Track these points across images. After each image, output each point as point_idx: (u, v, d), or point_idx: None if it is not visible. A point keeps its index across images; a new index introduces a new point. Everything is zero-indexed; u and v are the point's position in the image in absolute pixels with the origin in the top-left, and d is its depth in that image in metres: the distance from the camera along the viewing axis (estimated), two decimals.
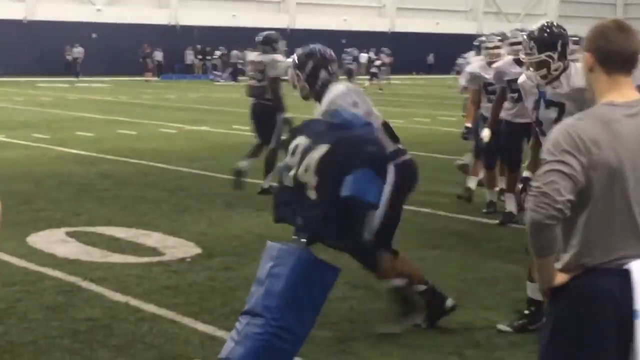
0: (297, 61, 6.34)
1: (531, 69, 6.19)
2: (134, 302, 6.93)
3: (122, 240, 9.05)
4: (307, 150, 5.09)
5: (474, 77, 10.86)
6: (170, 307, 6.80)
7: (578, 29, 8.88)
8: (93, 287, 7.35)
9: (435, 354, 5.92)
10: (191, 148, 17.35)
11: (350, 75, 41.71)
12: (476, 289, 7.39)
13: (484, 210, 10.64)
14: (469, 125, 11.05)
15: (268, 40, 12.19)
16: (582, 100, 5.79)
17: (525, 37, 6.33)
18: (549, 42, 6.12)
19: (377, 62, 44.48)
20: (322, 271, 5.05)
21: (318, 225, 5.02)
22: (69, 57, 50.32)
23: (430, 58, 60.28)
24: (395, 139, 6.30)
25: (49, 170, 13.82)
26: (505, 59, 10.27)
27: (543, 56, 6.09)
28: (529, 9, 67.87)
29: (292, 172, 5.14)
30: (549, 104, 6.19)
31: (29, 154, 16.02)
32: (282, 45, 12.17)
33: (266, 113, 11.88)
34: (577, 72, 6.03)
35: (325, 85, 6.23)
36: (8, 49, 47.90)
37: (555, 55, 6.09)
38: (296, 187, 5.11)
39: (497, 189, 10.91)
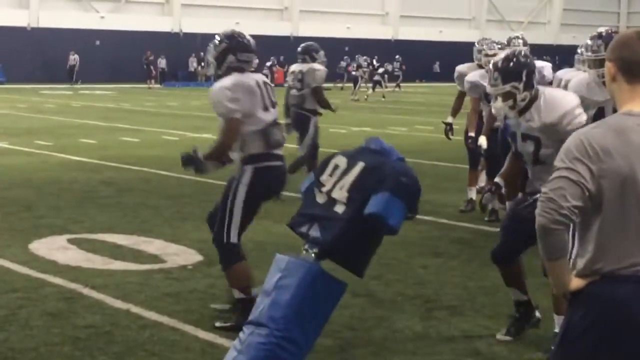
0: (216, 39, 6.59)
1: (499, 99, 6.05)
2: (135, 309, 6.94)
3: (123, 248, 9.05)
4: (345, 171, 5.13)
5: (474, 86, 10.85)
6: (172, 314, 6.80)
7: (581, 37, 8.90)
8: (94, 294, 7.35)
9: None
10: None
11: (355, 82, 41.78)
12: (477, 297, 7.38)
13: (486, 219, 10.64)
14: (472, 134, 11.04)
15: (307, 50, 12.48)
16: (557, 134, 5.78)
17: (490, 66, 6.18)
18: (514, 72, 5.95)
19: (381, 70, 44.54)
20: (330, 285, 5.06)
21: (332, 240, 5.02)
22: (72, 64, 50.34)
23: (437, 66, 60.30)
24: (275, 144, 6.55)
25: (51, 177, 13.84)
26: (479, 72, 10.41)
27: (507, 87, 5.96)
28: (532, 17, 67.93)
29: (325, 189, 5.15)
30: (525, 137, 6.10)
31: (31, 160, 16.04)
32: (321, 55, 12.43)
33: (305, 122, 12.24)
34: (547, 105, 5.93)
35: (229, 71, 6.49)
36: (12, 56, 48.00)
37: (521, 86, 5.93)
38: (326, 203, 5.12)
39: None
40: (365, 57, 45.00)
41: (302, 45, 12.73)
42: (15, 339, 6.17)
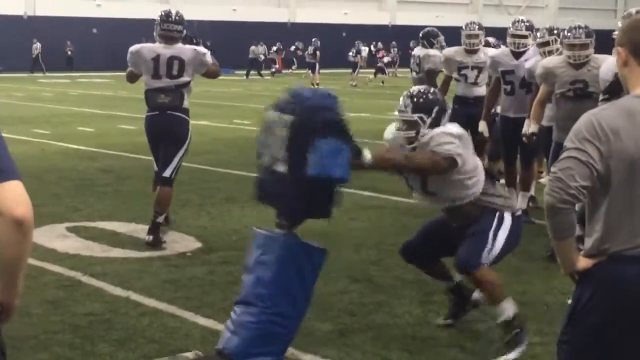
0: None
1: (403, 127, 5.83)
2: (134, 296, 6.94)
3: (122, 235, 9.06)
4: (277, 124, 5.03)
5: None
6: (171, 301, 6.81)
7: (578, 21, 8.95)
8: (93, 281, 7.36)
9: (435, 346, 5.93)
10: (191, 142, 17.28)
11: (354, 68, 41.76)
12: None
13: None
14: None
15: (426, 36, 13.08)
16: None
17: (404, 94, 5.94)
18: (425, 106, 5.76)
19: (386, 59, 44.59)
20: (309, 253, 5.05)
21: (292, 206, 5.00)
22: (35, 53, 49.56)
23: None
24: None
25: (49, 166, 13.83)
26: (501, 49, 10.35)
27: (415, 117, 5.73)
28: (530, 1, 67.79)
29: (268, 149, 5.10)
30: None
31: (29, 149, 16.01)
32: (440, 40, 12.93)
33: None
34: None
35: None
36: (8, 44, 47.86)
37: (428, 121, 5.74)
38: (270, 163, 5.08)
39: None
40: (366, 48, 45.17)
41: (423, 30, 13.32)
42: (14, 327, 6.14)
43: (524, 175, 10.16)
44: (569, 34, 8.38)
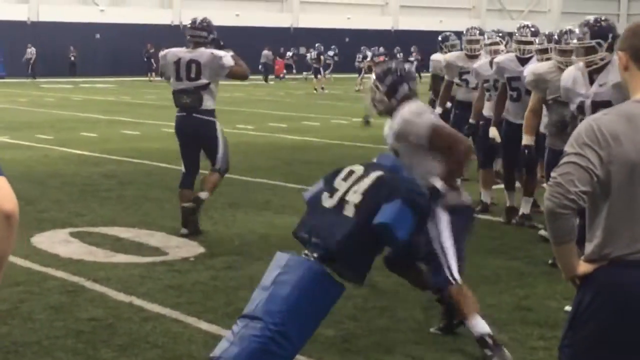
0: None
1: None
2: (137, 301, 6.95)
3: (125, 240, 9.06)
4: (360, 177, 5.15)
5: (478, 75, 10.76)
6: (174, 306, 6.81)
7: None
8: (97, 287, 7.36)
9: (438, 351, 5.93)
10: None
11: (359, 73, 41.85)
12: (479, 285, 7.37)
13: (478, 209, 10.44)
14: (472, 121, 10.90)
15: (440, 40, 13.32)
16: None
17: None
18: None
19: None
20: (329, 285, 5.05)
21: (337, 243, 5.01)
22: (29, 57, 49.53)
23: None
24: None
25: (52, 171, 13.84)
26: (507, 54, 10.22)
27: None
28: (533, 5, 67.79)
29: (338, 193, 5.15)
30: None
31: (32, 155, 16.03)
32: (448, 45, 12.99)
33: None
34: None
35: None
36: (12, 50, 47.94)
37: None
38: (336, 207, 5.11)
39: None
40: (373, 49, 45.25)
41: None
42: (18, 332, 6.18)
43: (527, 181, 9.99)
44: (560, 38, 8.19)
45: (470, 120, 10.78)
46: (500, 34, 10.89)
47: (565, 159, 3.35)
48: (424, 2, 62.71)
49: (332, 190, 5.20)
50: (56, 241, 8.98)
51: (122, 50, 51.54)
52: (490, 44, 10.72)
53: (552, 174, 3.37)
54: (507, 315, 6.52)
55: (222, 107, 28.18)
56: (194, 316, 6.58)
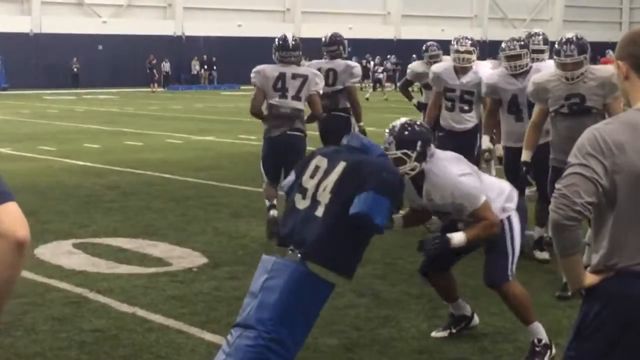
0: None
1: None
2: (140, 312, 6.94)
3: (128, 251, 9.06)
4: (327, 171, 5.09)
5: (492, 88, 9.40)
6: (177, 317, 6.81)
7: (583, 34, 8.48)
8: (100, 298, 7.36)
9: None
10: (197, 158, 17.38)
11: (379, 83, 42.20)
12: (482, 295, 7.36)
13: None
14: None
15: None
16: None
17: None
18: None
19: (380, 70, 44.95)
20: (317, 285, 5.02)
21: (315, 241, 4.98)
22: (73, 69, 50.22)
23: None
24: None
25: (55, 182, 13.86)
26: (498, 71, 9.26)
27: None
28: (535, 14, 67.87)
29: (309, 193, 5.12)
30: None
31: (35, 166, 16.05)
32: (426, 56, 12.19)
33: None
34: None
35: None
36: (15, 62, 48.04)
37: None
38: (309, 207, 5.09)
39: None
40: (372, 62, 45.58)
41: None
42: (21, 344, 6.18)
43: (540, 208, 8.70)
44: (559, 50, 7.55)
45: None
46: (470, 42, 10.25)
47: (569, 170, 3.32)
48: (426, 11, 62.79)
49: (302, 191, 5.17)
50: (59, 252, 8.98)
51: (124, 62, 51.65)
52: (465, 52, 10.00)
53: (557, 185, 3.34)
54: (510, 324, 6.50)
55: (225, 118, 28.31)
56: (197, 327, 6.57)
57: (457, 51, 9.88)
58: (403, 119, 5.85)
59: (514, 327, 6.46)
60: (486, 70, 9.87)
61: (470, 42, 9.95)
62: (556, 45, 7.58)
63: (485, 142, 9.23)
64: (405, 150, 5.64)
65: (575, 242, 3.35)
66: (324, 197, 5.01)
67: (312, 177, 5.14)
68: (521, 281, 7.77)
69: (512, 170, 8.71)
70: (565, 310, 6.86)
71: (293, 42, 9.87)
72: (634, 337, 3.32)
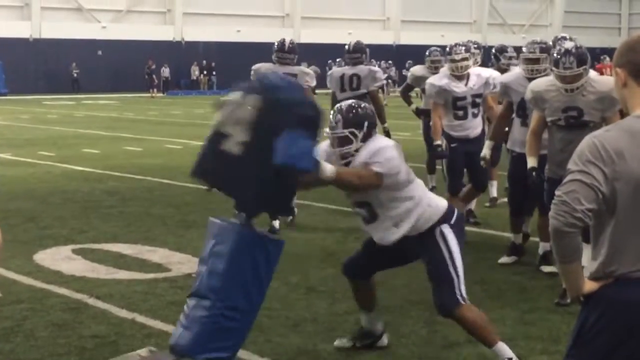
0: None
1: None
2: (140, 318, 6.94)
3: (128, 257, 9.06)
4: (238, 105, 4.97)
5: (504, 88, 9.02)
6: (177, 323, 6.79)
7: (582, 39, 8.32)
8: (99, 304, 7.36)
9: None
10: None
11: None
12: (482, 301, 7.37)
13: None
14: (438, 142, 9.89)
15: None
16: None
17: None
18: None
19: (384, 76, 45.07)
20: (264, 245, 4.99)
21: (249, 196, 4.94)
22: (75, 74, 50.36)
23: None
24: None
25: (54, 188, 13.85)
26: (514, 72, 9.27)
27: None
28: (534, 20, 67.93)
29: (227, 130, 5.02)
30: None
31: (34, 171, 16.05)
32: (428, 61, 12.53)
33: None
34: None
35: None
36: (14, 67, 48.09)
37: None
38: (230, 150, 4.98)
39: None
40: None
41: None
42: (20, 350, 6.18)
43: (541, 223, 8.26)
44: (558, 61, 7.27)
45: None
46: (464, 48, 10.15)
47: (569, 177, 3.32)
48: (425, 16, 62.84)
49: (221, 133, 5.02)
50: (59, 258, 8.98)
51: (123, 67, 51.69)
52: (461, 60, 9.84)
53: (557, 192, 3.34)
54: (510, 330, 6.51)
55: None
56: None
57: (454, 60, 9.74)
58: (350, 101, 5.88)
59: (513, 332, 6.47)
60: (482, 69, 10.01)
61: (463, 48, 9.77)
62: (555, 55, 7.33)
63: (485, 148, 9.01)
64: (352, 130, 5.57)
65: (575, 248, 3.35)
66: (237, 132, 4.90)
67: (225, 112, 5.06)
68: (520, 287, 7.81)
69: (515, 176, 8.59)
70: (564, 316, 6.86)
71: (290, 45, 11.11)
72: (633, 344, 3.32)
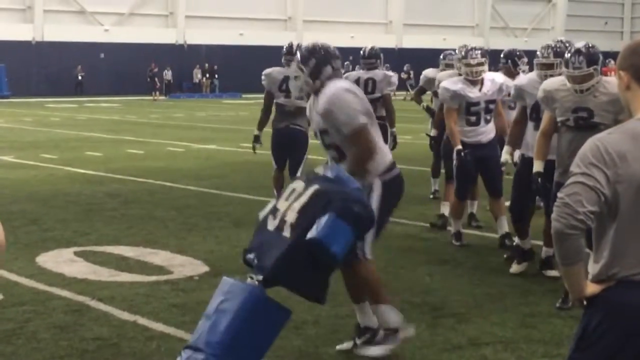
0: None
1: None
2: (142, 320, 6.94)
3: (130, 259, 9.06)
4: (300, 194, 5.08)
5: (518, 91, 8.81)
6: (179, 325, 6.80)
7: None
8: (101, 306, 7.36)
9: None
10: (198, 166, 17.39)
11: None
12: (484, 304, 7.38)
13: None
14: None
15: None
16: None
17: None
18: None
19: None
20: (272, 311, 4.96)
21: (272, 266, 4.94)
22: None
23: None
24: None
25: (57, 190, 13.86)
26: (528, 76, 8.93)
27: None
28: (536, 23, 67.94)
29: (279, 213, 5.10)
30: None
31: (37, 174, 16.06)
32: (442, 63, 12.81)
33: None
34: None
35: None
36: (17, 70, 48.13)
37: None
38: (277, 228, 5.05)
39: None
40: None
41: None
42: (22, 352, 6.18)
43: (547, 228, 8.16)
44: (568, 61, 7.20)
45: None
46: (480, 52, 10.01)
47: (572, 179, 3.33)
48: (427, 20, 62.87)
49: (274, 212, 5.14)
50: (61, 260, 8.99)
51: (126, 70, 51.73)
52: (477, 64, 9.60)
53: (559, 195, 3.35)
54: (512, 333, 6.51)
55: (226, 126, 28.32)
56: None
57: (469, 65, 9.47)
58: (315, 41, 6.41)
59: (514, 336, 6.47)
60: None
61: (479, 52, 9.56)
62: (566, 55, 7.24)
63: (504, 153, 8.67)
64: (300, 65, 6.10)
65: (577, 251, 3.35)
66: (291, 216, 4.97)
67: (286, 199, 5.14)
68: (521, 289, 7.81)
69: (521, 179, 8.38)
70: (566, 319, 6.86)
71: (297, 49, 10.90)
72: (636, 347, 3.32)
